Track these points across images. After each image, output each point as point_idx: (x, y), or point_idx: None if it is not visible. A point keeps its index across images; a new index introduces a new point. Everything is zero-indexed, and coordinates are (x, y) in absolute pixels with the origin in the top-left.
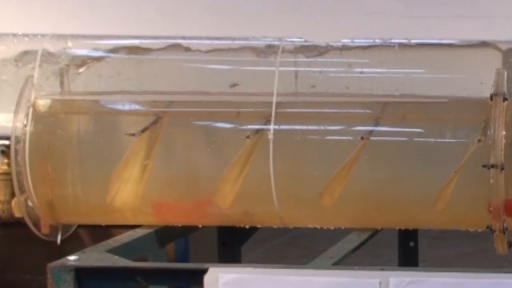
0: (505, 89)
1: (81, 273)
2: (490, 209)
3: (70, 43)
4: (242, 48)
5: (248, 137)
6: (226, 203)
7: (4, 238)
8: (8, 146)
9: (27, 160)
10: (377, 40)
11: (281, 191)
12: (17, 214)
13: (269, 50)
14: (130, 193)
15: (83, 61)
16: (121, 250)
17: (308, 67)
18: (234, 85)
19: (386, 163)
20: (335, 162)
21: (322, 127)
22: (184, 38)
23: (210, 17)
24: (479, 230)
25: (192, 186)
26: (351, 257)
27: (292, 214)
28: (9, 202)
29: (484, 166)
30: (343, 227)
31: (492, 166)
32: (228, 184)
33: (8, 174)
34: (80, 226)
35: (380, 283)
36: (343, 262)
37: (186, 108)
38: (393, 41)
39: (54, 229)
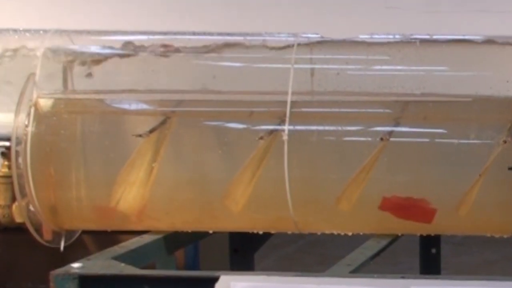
0: None
1: (86, 282)
2: None
3: (74, 39)
4: (255, 44)
5: (261, 138)
6: (238, 208)
7: (4, 244)
8: (8, 148)
9: (29, 162)
10: (397, 36)
11: (296, 195)
12: (18, 219)
13: (284, 46)
14: (136, 197)
15: (97, 59)
16: (128, 257)
17: (325, 64)
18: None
19: (406, 165)
20: (353, 164)
21: (339, 128)
22: (194, 34)
23: (220, 12)
24: (505, 236)
25: (202, 189)
26: (369, 264)
27: (307, 219)
28: (9, 207)
29: (510, 168)
30: (361, 233)
31: None
32: (240, 187)
33: (8, 177)
34: (84, 232)
35: None
36: (361, 270)
37: (196, 107)
38: (414, 36)
39: (57, 235)
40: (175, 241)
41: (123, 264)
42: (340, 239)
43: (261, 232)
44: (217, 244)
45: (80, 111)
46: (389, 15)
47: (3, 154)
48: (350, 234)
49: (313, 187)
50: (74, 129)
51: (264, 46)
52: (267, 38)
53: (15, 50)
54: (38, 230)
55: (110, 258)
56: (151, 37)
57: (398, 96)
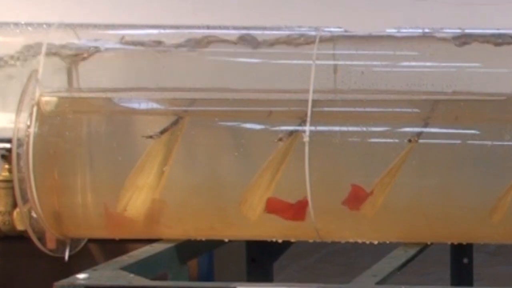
0: None
1: None
2: None
3: (79, 33)
4: (274, 39)
5: (280, 139)
6: (255, 214)
7: (4, 254)
8: (9, 150)
9: (31, 165)
10: (426, 30)
11: (318, 200)
12: (20, 227)
13: (305, 41)
14: (146, 203)
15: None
16: (137, 268)
17: (349, 60)
18: None
19: (436, 168)
20: (379, 167)
21: (364, 128)
22: (208, 27)
23: (237, 4)
24: None
25: (217, 194)
26: (396, 275)
27: (329, 227)
28: (10, 213)
29: None
30: (387, 242)
31: None
32: (258, 192)
33: (9, 181)
34: (90, 240)
35: None
36: (387, 281)
37: (210, 107)
38: (445, 31)
39: (61, 244)
40: (188, 250)
41: (132, 275)
42: (365, 248)
43: (280, 241)
44: (233, 253)
45: (86, 111)
46: (418, 7)
47: (4, 157)
48: (375, 242)
49: (336, 192)
50: (79, 130)
51: (283, 41)
52: (287, 32)
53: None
54: (41, 238)
55: (118, 269)
56: (162, 31)
57: (427, 95)
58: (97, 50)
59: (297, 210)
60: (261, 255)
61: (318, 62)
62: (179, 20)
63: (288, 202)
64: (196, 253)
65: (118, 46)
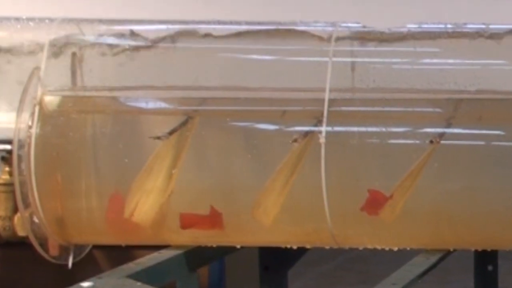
0: None
1: None
2: None
3: (83, 29)
4: (289, 35)
5: (295, 140)
6: (269, 219)
7: (5, 261)
8: (9, 152)
9: (33, 168)
10: (449, 26)
11: (335, 204)
12: (21, 233)
13: (321, 37)
14: (154, 207)
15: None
16: (145, 275)
17: (367, 57)
18: None
19: (459, 171)
20: (399, 170)
21: (383, 129)
22: (219, 22)
23: None
24: None
25: (228, 199)
26: (417, 283)
27: (347, 232)
28: (11, 218)
29: None
30: (407, 248)
31: None
32: (271, 196)
33: (9, 184)
34: (95, 247)
35: None
36: None
37: (222, 106)
38: (468, 26)
39: (64, 250)
40: (198, 257)
41: (139, 283)
42: (384, 254)
43: (295, 247)
44: (246, 260)
45: (90, 110)
46: (440, 2)
47: (4, 159)
48: (395, 249)
49: (354, 196)
50: (84, 131)
51: (298, 37)
52: (302, 27)
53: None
54: (43, 244)
55: (124, 276)
56: (170, 26)
57: (450, 93)
58: (102, 46)
59: (213, 220)
60: (275, 263)
61: (335, 59)
62: (189, 15)
63: (201, 214)
64: (206, 260)
65: (124, 41)
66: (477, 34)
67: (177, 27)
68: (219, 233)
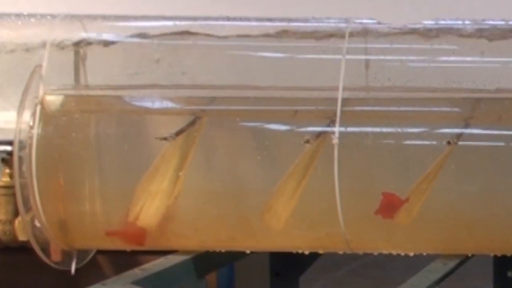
0: None
1: None
2: None
3: (86, 25)
4: (300, 32)
5: (307, 141)
6: (280, 224)
7: (5, 266)
8: (10, 153)
9: (34, 170)
10: (467, 22)
11: (348, 208)
12: (22, 237)
13: (334, 33)
14: (160, 211)
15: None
16: (151, 282)
17: (382, 55)
18: None
19: (477, 173)
20: (415, 172)
21: (398, 129)
22: (228, 19)
23: None
24: None
25: (238, 202)
26: None
27: (361, 237)
28: (11, 222)
29: None
30: (424, 253)
31: None
32: (282, 200)
33: (10, 187)
34: (99, 252)
35: None
36: None
37: (231, 105)
38: (487, 22)
39: (67, 256)
40: (206, 262)
41: None
42: (400, 260)
43: (307, 252)
44: (256, 266)
45: (94, 110)
46: None
47: (4, 160)
48: (411, 254)
49: (368, 199)
50: (87, 131)
51: (310, 34)
52: (314, 24)
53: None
54: (45, 249)
55: (129, 283)
56: (177, 23)
57: (468, 92)
58: (106, 43)
59: (136, 235)
60: (286, 268)
61: (348, 56)
62: (196, 11)
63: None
64: (215, 266)
65: (129, 39)
66: (497, 30)
67: (184, 23)
68: (228, 237)
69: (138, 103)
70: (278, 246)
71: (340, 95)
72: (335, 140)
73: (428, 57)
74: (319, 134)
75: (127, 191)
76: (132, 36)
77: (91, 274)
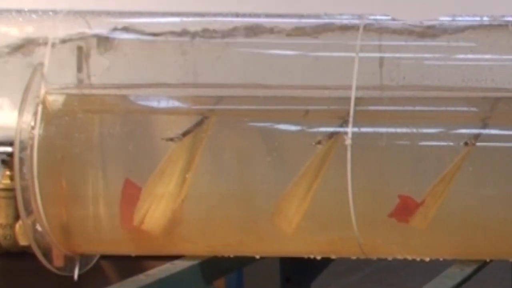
0: None
1: None
2: None
3: (90, 22)
4: (313, 28)
5: (319, 142)
6: (291, 227)
7: (6, 272)
8: (10, 154)
9: (35, 172)
10: (485, 18)
11: (362, 211)
12: (22, 242)
13: (347, 30)
14: (165, 214)
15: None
16: None
17: (397, 52)
18: None
19: (496, 175)
20: (431, 174)
21: (413, 130)
22: (237, 15)
23: None
24: None
25: (247, 205)
26: None
27: (375, 241)
28: (12, 226)
29: None
30: (440, 258)
31: None
32: (294, 202)
33: (10, 190)
34: (103, 257)
35: None
36: None
37: (239, 105)
38: (506, 19)
39: (69, 261)
40: (213, 268)
41: None
42: (415, 266)
43: (319, 257)
44: (265, 272)
45: (98, 110)
46: None
47: (4, 162)
48: (427, 259)
49: (382, 202)
50: (90, 132)
51: (322, 30)
52: (326, 20)
53: None
54: (47, 254)
55: None
56: (185, 19)
57: (486, 92)
58: (110, 40)
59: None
60: (297, 274)
61: (362, 54)
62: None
63: None
64: (223, 272)
65: (134, 36)
66: None
67: (192, 20)
68: (237, 242)
69: (143, 103)
70: (289, 251)
71: (353, 94)
72: (348, 141)
73: (445, 55)
74: (332, 135)
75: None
76: (138, 33)
77: (95, 280)
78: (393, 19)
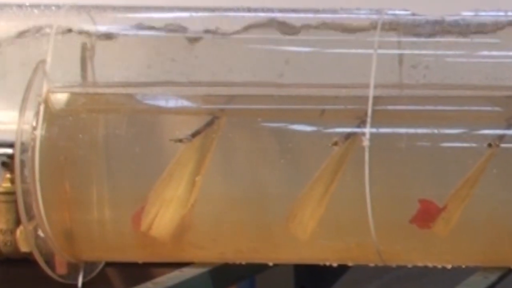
0: None
1: None
2: None
3: (94, 17)
4: (328, 24)
5: (335, 143)
6: (306, 233)
7: (6, 280)
8: (11, 156)
9: (37, 175)
10: (510, 13)
11: (380, 216)
12: (24, 249)
13: (364, 26)
14: (174, 219)
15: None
16: None
17: (417, 49)
18: None
19: None
20: (453, 177)
21: (435, 131)
22: (249, 10)
23: None
24: None
25: (259, 210)
26: None
27: (394, 248)
28: (12, 232)
29: None
30: (463, 266)
31: None
32: (309, 207)
33: (11, 193)
34: (108, 264)
35: None
36: None
37: (252, 104)
38: None
39: (73, 268)
40: (224, 276)
41: None
42: (437, 273)
43: (335, 265)
44: (279, 280)
45: (103, 109)
46: None
47: (4, 164)
48: (449, 267)
49: (402, 207)
50: (95, 132)
51: (339, 26)
52: (343, 15)
53: None
54: (49, 262)
55: None
56: (194, 14)
57: (510, 90)
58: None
59: None
60: (312, 282)
61: (380, 51)
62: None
63: None
64: (234, 280)
65: (141, 32)
66: None
67: (201, 15)
68: (249, 249)
69: (150, 102)
70: (303, 258)
71: (371, 93)
72: (366, 142)
73: (467, 52)
74: (348, 136)
75: (139, 198)
76: (144, 28)
77: None
78: (413, 14)
